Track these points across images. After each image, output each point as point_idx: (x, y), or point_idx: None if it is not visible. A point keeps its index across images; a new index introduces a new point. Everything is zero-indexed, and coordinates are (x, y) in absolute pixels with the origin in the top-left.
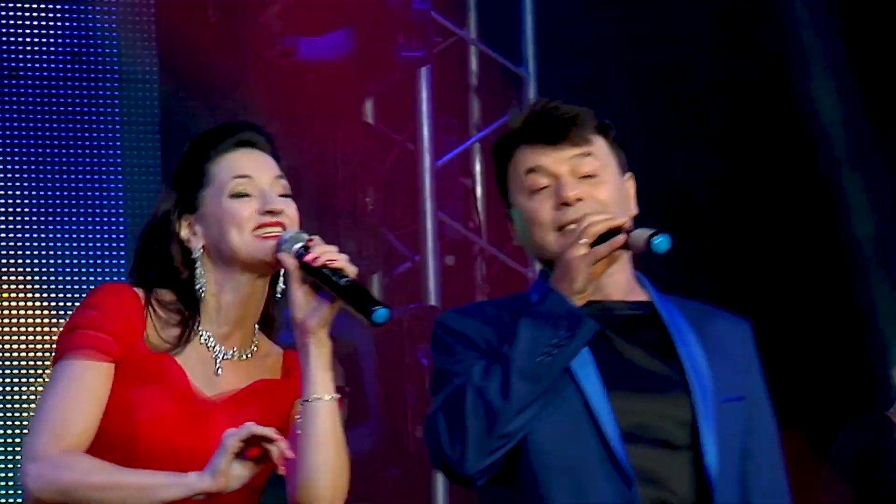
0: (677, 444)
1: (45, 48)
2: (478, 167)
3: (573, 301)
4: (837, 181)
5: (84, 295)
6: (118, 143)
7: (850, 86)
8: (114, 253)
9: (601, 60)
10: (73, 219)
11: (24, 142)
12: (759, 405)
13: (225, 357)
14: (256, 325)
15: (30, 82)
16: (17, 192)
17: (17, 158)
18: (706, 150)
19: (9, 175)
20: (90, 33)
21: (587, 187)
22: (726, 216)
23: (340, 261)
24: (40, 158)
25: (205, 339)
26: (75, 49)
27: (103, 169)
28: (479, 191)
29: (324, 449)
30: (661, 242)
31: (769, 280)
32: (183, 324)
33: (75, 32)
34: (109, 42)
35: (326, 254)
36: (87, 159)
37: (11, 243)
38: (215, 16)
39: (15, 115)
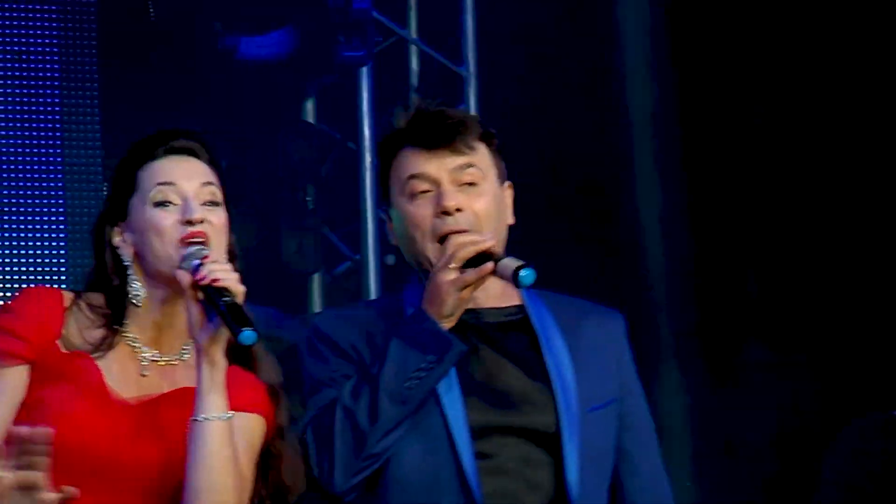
0: (537, 460)
1: None
2: None
3: (442, 324)
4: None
5: None
6: (58, 144)
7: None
8: (53, 256)
9: (541, 60)
10: (14, 218)
11: None
12: (634, 403)
13: (152, 360)
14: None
15: None
16: None
17: None
18: None
19: None
20: (30, 33)
21: (466, 197)
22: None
23: (226, 280)
24: None
25: (131, 342)
26: (15, 48)
27: (43, 172)
28: None
29: (209, 470)
30: (527, 276)
31: None
32: (106, 327)
33: (14, 32)
34: (49, 42)
35: (215, 272)
36: (28, 163)
37: None
38: (156, 16)
39: None
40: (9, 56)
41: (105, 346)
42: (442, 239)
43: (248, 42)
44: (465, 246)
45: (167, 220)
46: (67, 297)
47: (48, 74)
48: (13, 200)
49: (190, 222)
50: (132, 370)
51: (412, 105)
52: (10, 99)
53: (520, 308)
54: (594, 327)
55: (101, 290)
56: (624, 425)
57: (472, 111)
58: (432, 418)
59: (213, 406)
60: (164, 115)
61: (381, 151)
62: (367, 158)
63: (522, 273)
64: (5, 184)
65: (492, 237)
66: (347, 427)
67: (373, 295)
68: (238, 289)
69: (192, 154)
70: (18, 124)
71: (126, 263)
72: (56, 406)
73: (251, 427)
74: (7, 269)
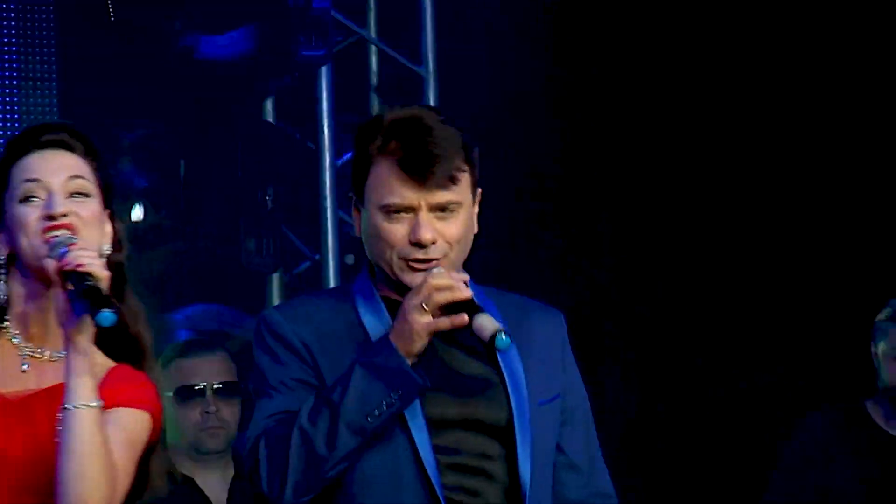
0: (493, 453)
1: None
2: None
3: (408, 361)
4: None
5: None
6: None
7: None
8: None
9: (500, 60)
10: None
11: None
12: (574, 398)
13: (32, 356)
14: None
15: None
16: None
17: None
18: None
19: None
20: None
21: (441, 225)
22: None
23: (89, 265)
24: None
25: (12, 338)
26: None
27: None
28: None
29: (78, 458)
30: (503, 342)
31: None
32: None
33: None
34: (8, 42)
35: (78, 258)
36: None
37: None
38: (115, 16)
39: None
40: None
41: None
42: (409, 264)
43: (207, 41)
44: (443, 291)
45: (31, 215)
46: None
47: (6, 73)
48: None
49: (51, 217)
50: (12, 365)
51: (400, 112)
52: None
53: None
54: (538, 324)
55: None
56: (563, 420)
57: None
58: (396, 446)
59: (80, 394)
60: (125, 115)
61: (362, 146)
62: (327, 158)
63: (499, 338)
64: None
65: (466, 287)
66: (303, 452)
67: None
68: (101, 273)
69: (62, 147)
70: None
71: (1, 263)
72: None
73: (132, 422)
74: None
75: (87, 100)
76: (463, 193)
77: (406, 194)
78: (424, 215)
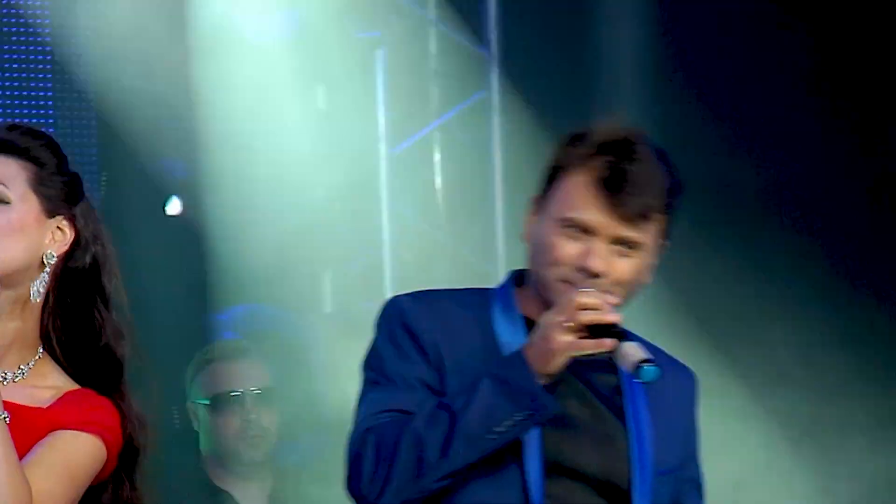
0: None
1: None
2: (437, 156)
3: (541, 381)
4: None
5: None
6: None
7: None
8: None
9: (568, 42)
10: None
11: None
12: (691, 472)
13: None
14: (41, 350)
15: None
16: None
17: None
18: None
19: None
20: (20, 21)
21: (614, 262)
22: None
23: None
24: None
25: None
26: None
27: None
28: (438, 182)
29: None
30: (649, 372)
31: None
32: None
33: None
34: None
35: None
36: None
37: None
38: None
39: None
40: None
41: None
42: (566, 282)
43: (254, 23)
44: (588, 311)
45: None
46: None
47: (41, 67)
48: None
49: None
50: None
51: (614, 129)
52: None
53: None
54: (671, 385)
55: None
56: (677, 492)
57: (495, 97)
58: (507, 462)
59: None
60: (167, 107)
61: (565, 150)
62: (382, 147)
63: (646, 368)
64: None
65: (617, 310)
66: (413, 455)
67: (388, 295)
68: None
69: (4, 151)
70: (11, 102)
71: None
72: None
73: (72, 444)
74: None
75: (121, 79)
76: (649, 236)
77: (593, 214)
78: (603, 244)
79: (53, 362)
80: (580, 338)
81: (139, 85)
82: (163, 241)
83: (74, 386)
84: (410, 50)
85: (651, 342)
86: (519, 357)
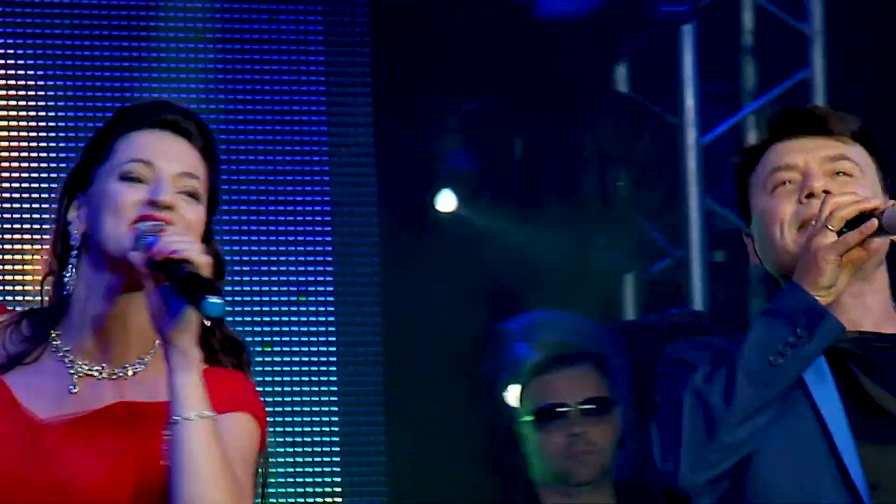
0: None
1: (255, 55)
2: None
3: (816, 297)
4: None
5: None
6: (324, 139)
7: None
8: (319, 254)
9: None
10: (280, 218)
11: (231, 147)
12: None
13: (88, 374)
14: (157, 343)
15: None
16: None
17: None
18: None
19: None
20: (298, 28)
21: (838, 185)
22: None
23: (187, 251)
24: (248, 157)
25: (62, 354)
26: (283, 47)
27: (308, 166)
28: None
29: (196, 478)
30: None
31: None
32: (29, 340)
33: (282, 28)
34: (315, 40)
35: (172, 244)
36: (295, 157)
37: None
38: None
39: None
40: (275, 57)
41: (19, 360)
42: (804, 226)
43: None
44: (846, 206)
45: (130, 196)
46: (11, 312)
47: (313, 69)
48: (280, 198)
49: (155, 204)
50: (58, 386)
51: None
52: (275, 90)
53: None
54: None
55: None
56: None
57: (818, 78)
58: (807, 426)
59: (191, 404)
60: (449, 89)
61: (742, 167)
62: (691, 135)
63: None
64: (271, 178)
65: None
66: (699, 411)
67: (697, 298)
68: (200, 259)
69: (182, 134)
70: (287, 126)
71: (72, 244)
72: None
73: (235, 428)
74: (274, 266)
75: (402, 71)
76: (860, 159)
77: (788, 155)
78: (815, 169)
79: None
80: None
81: None
82: (437, 239)
83: (203, 364)
84: (722, 25)
85: None
86: (788, 284)
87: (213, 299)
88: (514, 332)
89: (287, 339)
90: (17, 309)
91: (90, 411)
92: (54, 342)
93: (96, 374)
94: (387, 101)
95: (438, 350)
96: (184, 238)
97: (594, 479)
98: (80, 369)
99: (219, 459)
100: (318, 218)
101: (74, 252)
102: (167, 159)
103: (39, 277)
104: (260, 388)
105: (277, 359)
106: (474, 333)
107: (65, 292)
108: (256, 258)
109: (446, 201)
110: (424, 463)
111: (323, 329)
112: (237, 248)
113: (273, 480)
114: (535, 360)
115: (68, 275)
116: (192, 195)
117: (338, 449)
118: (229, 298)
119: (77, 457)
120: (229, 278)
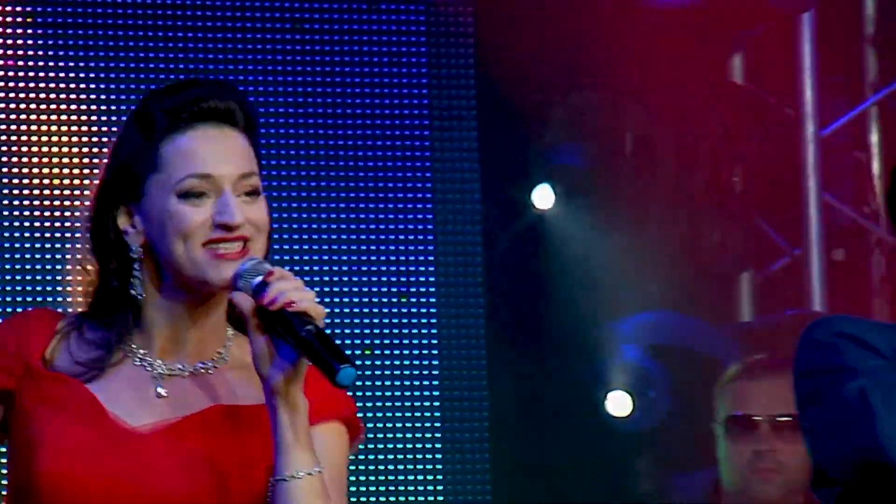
0: None
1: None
2: (874, 137)
3: None
4: None
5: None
6: (426, 134)
7: None
8: (421, 264)
9: None
10: (382, 216)
11: (331, 142)
12: None
13: (170, 374)
14: (229, 328)
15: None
16: (330, 186)
17: (321, 153)
18: None
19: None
20: (400, 29)
21: None
22: None
23: (303, 302)
24: (350, 153)
25: (139, 357)
26: (384, 49)
27: (410, 161)
28: (875, 166)
29: None
30: None
31: None
32: (103, 346)
33: (384, 29)
34: (417, 41)
35: (287, 293)
36: (398, 152)
37: (324, 236)
38: None
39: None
40: (375, 59)
41: (98, 366)
42: None
43: None
44: None
45: (197, 216)
46: (65, 316)
47: (415, 60)
48: (381, 206)
49: (227, 227)
50: (145, 390)
51: None
52: (379, 92)
53: None
54: None
55: (99, 293)
56: None
57: None
58: None
59: (300, 460)
60: (553, 80)
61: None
62: (810, 128)
63: None
64: (372, 174)
65: None
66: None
67: (816, 299)
68: (319, 311)
69: (226, 120)
70: (388, 132)
71: (133, 255)
72: (49, 443)
73: (329, 446)
74: (374, 255)
75: (508, 61)
76: None
77: None
78: None
79: (243, 335)
80: None
81: None
82: (541, 236)
83: None
84: (842, 13)
85: None
86: None
87: (348, 369)
88: (623, 333)
89: (388, 341)
90: (69, 311)
91: (183, 417)
92: (130, 345)
93: (179, 373)
94: (490, 95)
95: (541, 351)
96: (297, 285)
97: (775, 500)
98: (162, 371)
99: None
100: (420, 216)
101: (137, 264)
102: (222, 164)
103: (60, 279)
104: (359, 393)
105: (378, 362)
106: (580, 335)
107: (137, 297)
108: (356, 258)
109: (544, 197)
110: (526, 471)
111: (426, 332)
112: (338, 246)
113: (374, 489)
114: (739, 364)
115: (134, 290)
116: (254, 192)
117: (440, 457)
118: (327, 300)
119: (176, 465)
120: (327, 279)
